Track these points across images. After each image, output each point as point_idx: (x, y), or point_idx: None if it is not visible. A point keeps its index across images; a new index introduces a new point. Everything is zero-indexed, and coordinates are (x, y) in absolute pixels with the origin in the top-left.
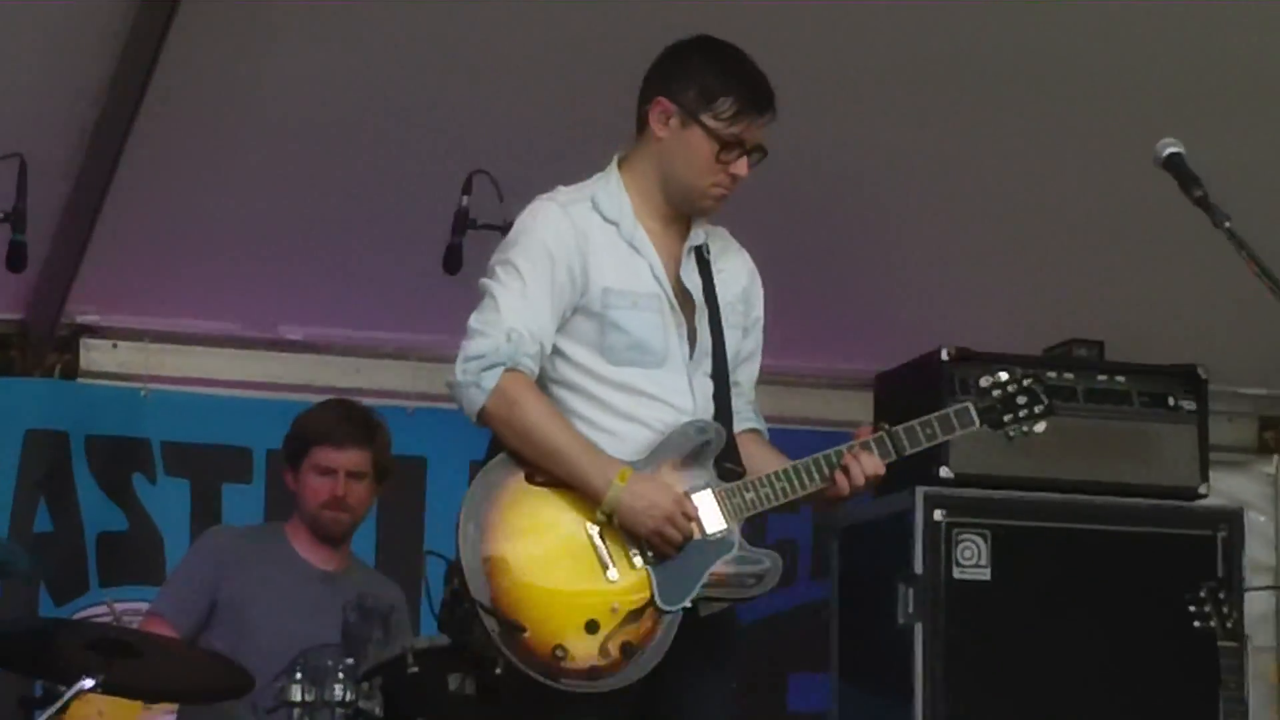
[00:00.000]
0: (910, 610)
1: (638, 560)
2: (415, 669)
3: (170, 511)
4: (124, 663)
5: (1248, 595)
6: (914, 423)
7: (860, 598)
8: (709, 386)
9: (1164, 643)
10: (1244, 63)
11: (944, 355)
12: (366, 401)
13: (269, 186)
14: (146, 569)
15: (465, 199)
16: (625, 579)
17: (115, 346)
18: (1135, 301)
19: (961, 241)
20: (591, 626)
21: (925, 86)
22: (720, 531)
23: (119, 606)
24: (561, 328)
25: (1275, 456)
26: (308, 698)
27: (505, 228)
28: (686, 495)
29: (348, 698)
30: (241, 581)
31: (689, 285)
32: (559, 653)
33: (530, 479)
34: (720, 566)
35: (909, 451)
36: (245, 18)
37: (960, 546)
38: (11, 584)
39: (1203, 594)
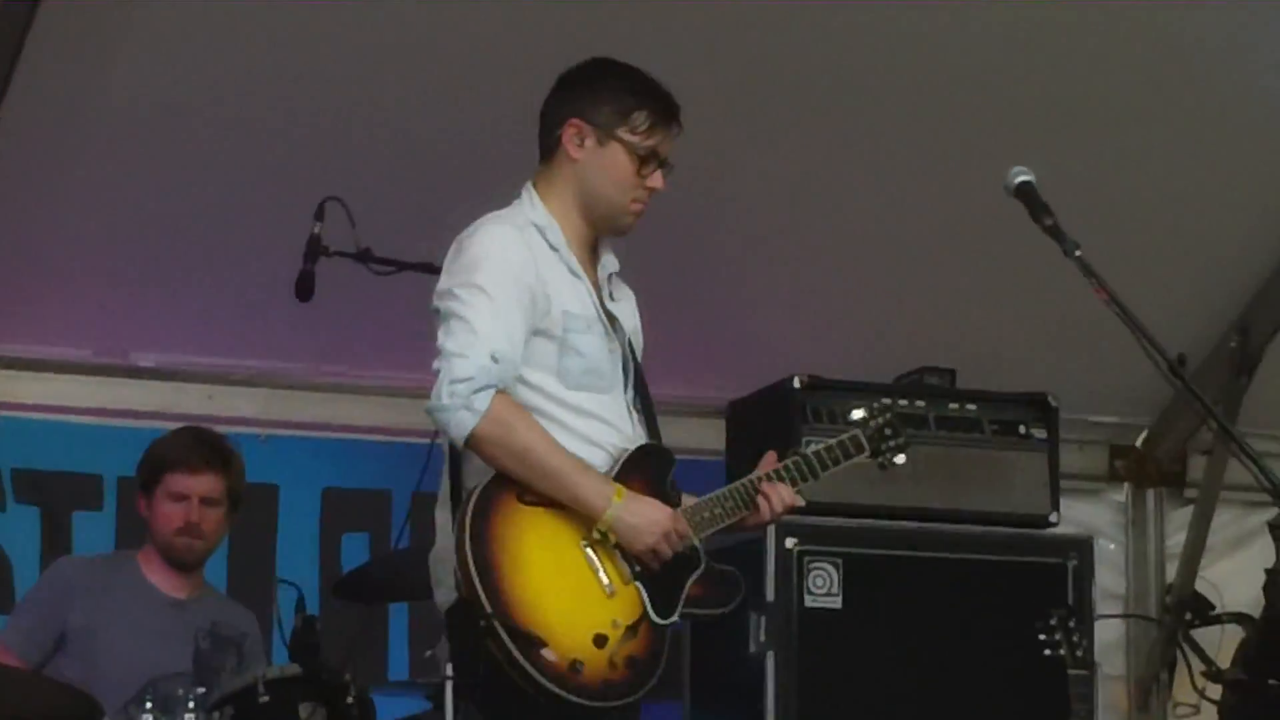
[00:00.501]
0: (762, 639)
1: (628, 576)
2: (266, 698)
3: (20, 539)
4: None
5: (1098, 623)
6: (818, 449)
7: (712, 626)
8: (637, 413)
9: (1015, 671)
10: (1088, 88)
11: (796, 383)
12: (219, 428)
13: (122, 212)
14: None
15: (318, 225)
16: (620, 594)
17: None
18: (986, 329)
19: (813, 268)
20: (600, 641)
21: (776, 111)
22: (689, 548)
23: None
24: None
25: (1126, 485)
26: None
27: (358, 255)
28: (678, 513)
29: None
30: (91, 610)
31: (615, 312)
32: (577, 666)
33: (520, 498)
34: (694, 584)
35: (818, 478)
36: (97, 33)
37: (812, 574)
38: None
39: (1053, 622)
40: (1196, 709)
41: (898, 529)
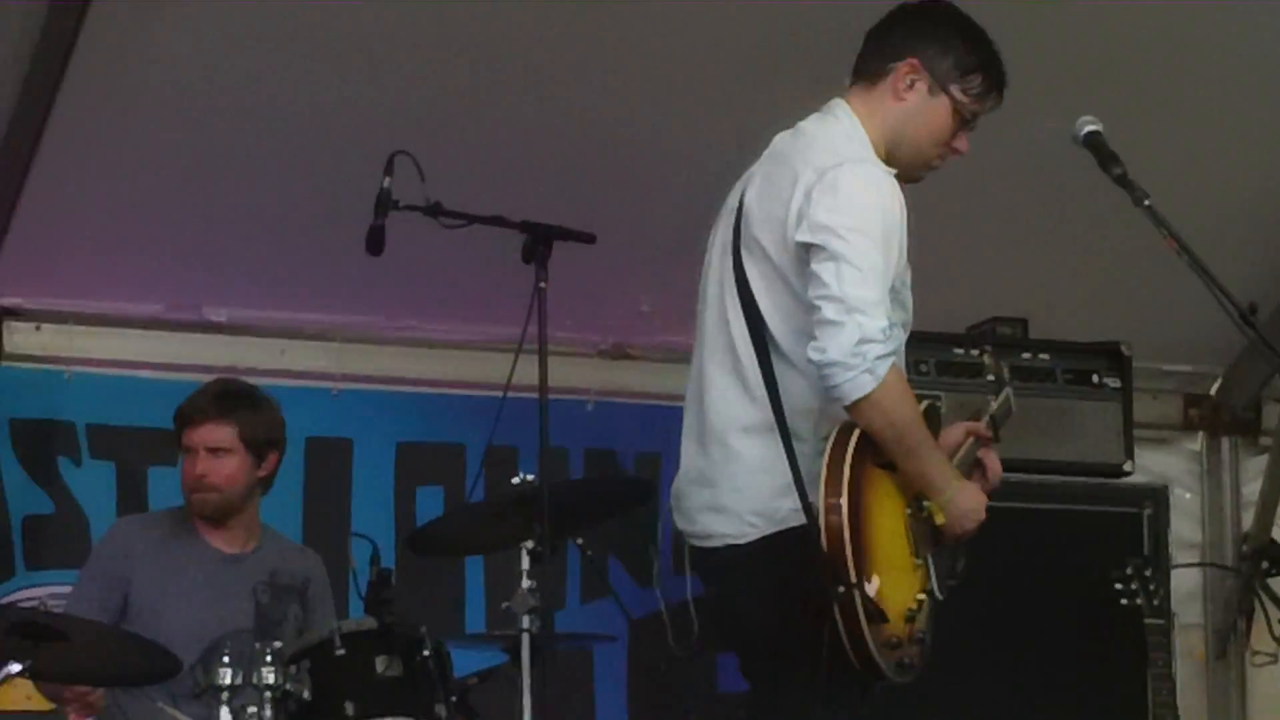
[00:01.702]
0: None
1: (925, 550)
2: (342, 651)
3: (96, 494)
4: (50, 647)
5: (1174, 572)
6: (993, 411)
7: None
8: None
9: (1091, 620)
10: (1160, 43)
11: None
12: (291, 383)
13: (194, 168)
14: (73, 553)
15: (387, 180)
16: (920, 569)
17: (39, 329)
18: (1059, 279)
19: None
20: (910, 616)
21: (843, 62)
22: None
23: (46, 590)
24: None
25: (1200, 434)
26: (234, 681)
27: (428, 208)
28: None
29: (275, 680)
30: (152, 571)
31: None
32: (894, 643)
33: (872, 460)
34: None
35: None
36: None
37: None
38: None
39: (1129, 571)
40: (1274, 658)
41: None
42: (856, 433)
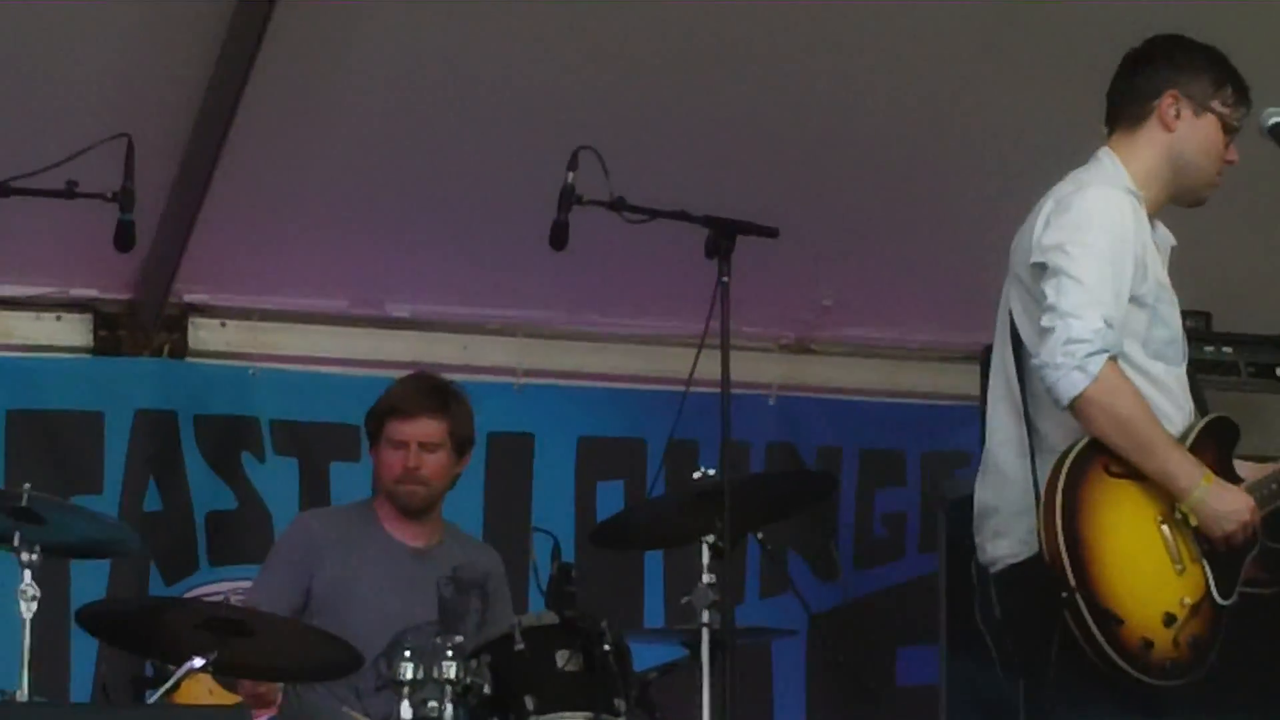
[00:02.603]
0: None
1: (1196, 555)
2: (522, 646)
3: (279, 490)
4: (234, 641)
5: None
6: None
7: (968, 571)
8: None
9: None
10: None
11: None
12: (474, 378)
13: (374, 164)
14: (256, 547)
15: (571, 175)
16: (1189, 573)
17: (223, 325)
18: (1241, 271)
19: None
20: (1168, 620)
21: (1035, 50)
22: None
23: (228, 585)
24: None
25: None
26: (416, 675)
27: (611, 203)
28: (1256, 504)
29: (456, 675)
30: (337, 565)
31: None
32: (1148, 645)
33: (1108, 469)
34: (1250, 562)
35: None
36: None
37: None
38: (122, 563)
39: None
40: None
41: None
42: (1081, 443)
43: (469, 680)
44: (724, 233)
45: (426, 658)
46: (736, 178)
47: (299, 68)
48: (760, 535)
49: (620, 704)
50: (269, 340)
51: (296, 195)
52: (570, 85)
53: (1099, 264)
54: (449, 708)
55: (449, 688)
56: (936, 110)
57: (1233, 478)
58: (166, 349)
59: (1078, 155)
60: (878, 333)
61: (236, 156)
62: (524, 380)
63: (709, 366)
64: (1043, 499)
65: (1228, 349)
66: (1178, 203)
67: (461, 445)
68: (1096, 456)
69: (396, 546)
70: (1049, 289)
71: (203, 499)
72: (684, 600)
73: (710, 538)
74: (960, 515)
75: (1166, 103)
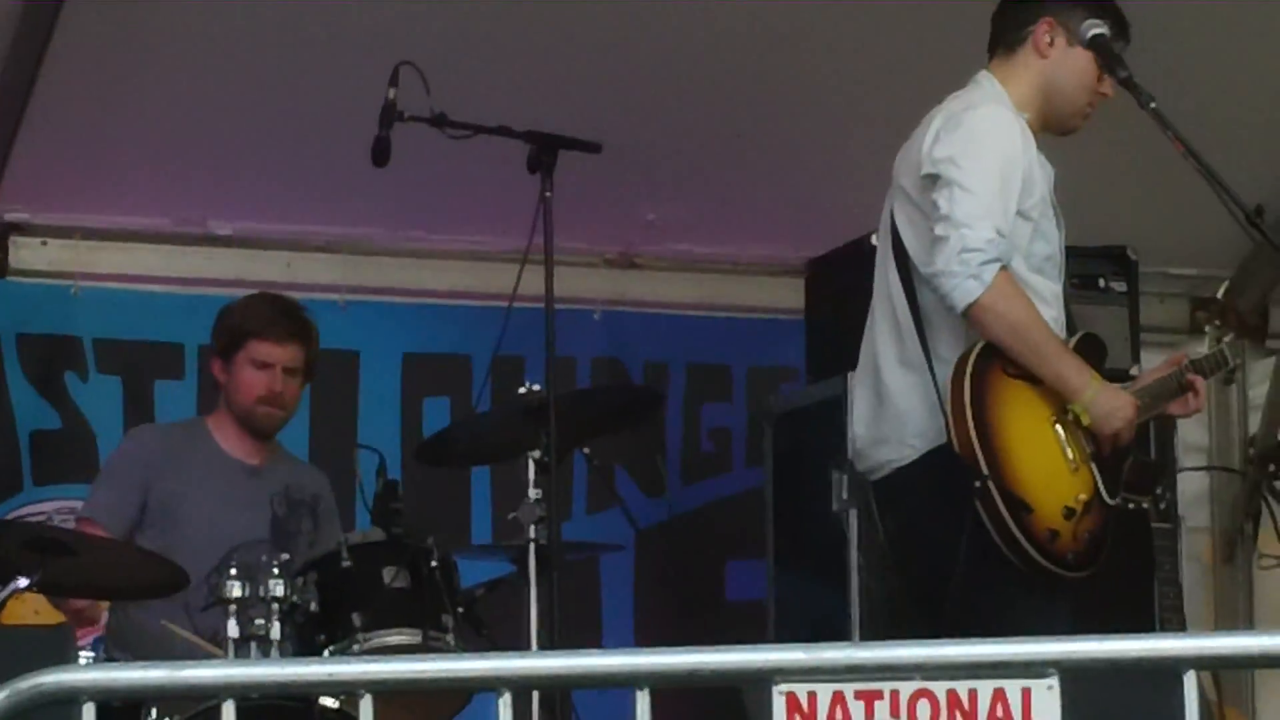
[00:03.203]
0: (844, 496)
1: (1086, 456)
2: (349, 563)
3: (103, 409)
4: (58, 561)
5: (1181, 476)
6: (1220, 349)
7: (795, 485)
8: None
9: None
10: None
11: (873, 240)
12: (298, 296)
13: (197, 81)
14: (80, 467)
15: (392, 91)
16: (1080, 472)
17: (45, 244)
18: (1063, 183)
19: (893, 122)
20: (1068, 513)
21: None
22: None
23: (53, 505)
24: None
25: (1207, 337)
26: (243, 593)
27: (433, 119)
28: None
29: (283, 593)
30: (170, 479)
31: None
32: (1051, 534)
33: (1004, 370)
34: (1128, 468)
35: (1209, 377)
36: None
37: None
38: None
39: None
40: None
41: None
42: (979, 345)
43: (295, 598)
44: (546, 148)
45: (254, 575)
46: (560, 93)
47: None
48: (587, 450)
49: (448, 620)
50: (91, 259)
51: (117, 113)
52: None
53: (990, 177)
54: (275, 625)
55: (275, 605)
56: (762, 24)
57: None
58: None
59: (905, 74)
60: (703, 248)
61: (55, 74)
62: (348, 297)
63: (534, 282)
64: (948, 394)
65: None
66: (1049, 130)
67: (311, 372)
68: (993, 358)
69: (231, 463)
70: (941, 199)
71: (26, 418)
72: (510, 516)
73: (536, 453)
74: (786, 429)
75: (1041, 29)
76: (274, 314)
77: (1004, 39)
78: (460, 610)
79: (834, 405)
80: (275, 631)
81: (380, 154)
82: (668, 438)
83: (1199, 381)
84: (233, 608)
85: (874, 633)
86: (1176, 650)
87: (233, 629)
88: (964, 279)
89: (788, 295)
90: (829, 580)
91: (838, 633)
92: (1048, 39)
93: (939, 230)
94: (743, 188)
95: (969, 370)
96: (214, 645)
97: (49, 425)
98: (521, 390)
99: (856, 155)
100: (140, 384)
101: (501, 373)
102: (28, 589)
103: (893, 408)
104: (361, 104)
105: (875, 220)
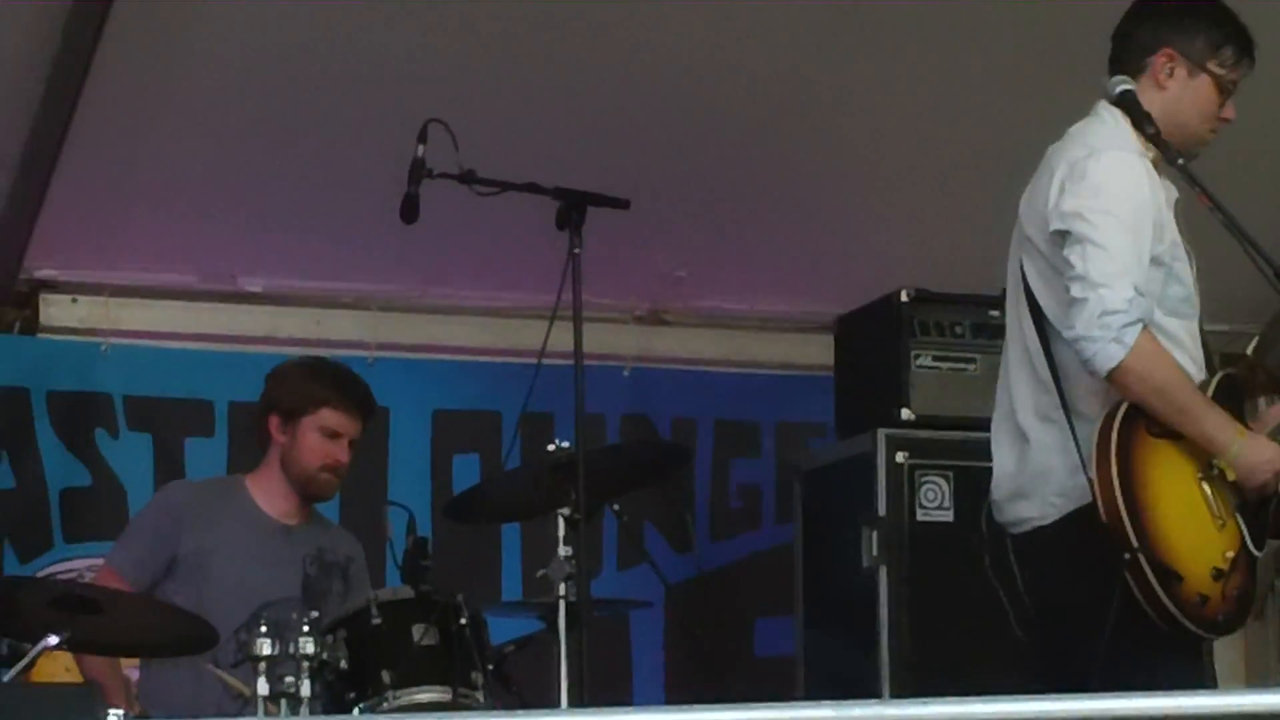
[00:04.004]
0: (874, 553)
1: (1233, 509)
2: (379, 620)
3: (133, 466)
4: (87, 619)
5: None
6: None
7: (824, 541)
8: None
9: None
10: None
11: (903, 296)
12: (328, 352)
13: (226, 138)
14: (111, 524)
15: (421, 148)
16: (1227, 528)
17: (75, 301)
18: None
19: (921, 181)
20: (1217, 575)
21: (889, 25)
22: None
23: (84, 563)
24: None
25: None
26: (273, 651)
27: (461, 176)
28: None
29: (312, 650)
30: (202, 535)
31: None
32: (1203, 600)
33: (1149, 430)
34: (1275, 509)
35: None
36: None
37: (923, 488)
38: None
39: None
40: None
41: None
42: (1124, 407)
43: (325, 655)
44: (574, 204)
45: (284, 632)
46: (588, 150)
47: (146, 40)
48: (616, 507)
49: (477, 678)
50: (120, 316)
51: (146, 169)
52: (418, 57)
53: (1122, 231)
54: (305, 682)
55: (305, 663)
56: (789, 82)
57: (1247, 427)
58: (17, 326)
59: (932, 130)
60: (730, 304)
61: (84, 132)
62: (377, 354)
63: (563, 339)
64: (1093, 461)
65: None
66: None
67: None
68: (1137, 419)
69: (266, 521)
70: (1074, 257)
71: (56, 476)
72: (540, 573)
73: (566, 510)
74: (816, 485)
75: (1160, 61)
76: (349, 385)
77: (1123, 66)
78: (490, 667)
79: (864, 461)
80: (306, 689)
81: (409, 211)
82: (696, 494)
83: None
84: (263, 665)
85: (903, 689)
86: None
87: (263, 687)
88: (1106, 343)
89: (817, 351)
90: (858, 637)
91: (867, 690)
92: (1167, 70)
93: (1076, 291)
94: (771, 244)
95: (1114, 436)
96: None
97: (79, 483)
98: (551, 447)
99: (884, 211)
100: (171, 441)
101: (531, 429)
102: (58, 647)
103: (1034, 463)
104: (390, 161)
105: (903, 276)
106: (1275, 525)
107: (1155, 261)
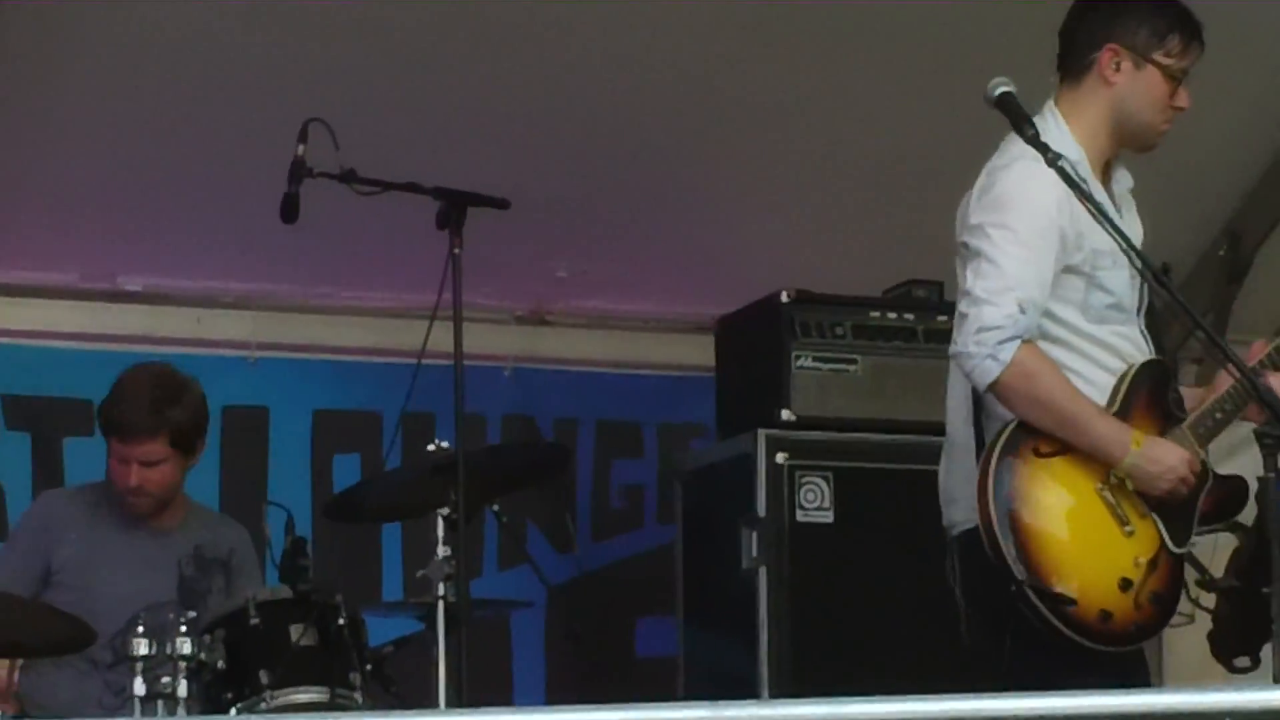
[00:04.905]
0: (754, 554)
1: (1144, 510)
2: (257, 620)
3: (12, 466)
4: None
5: None
6: None
7: (705, 542)
8: (1146, 331)
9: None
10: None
11: (784, 297)
12: (208, 352)
13: (107, 138)
14: None
15: (301, 148)
16: (1140, 530)
17: None
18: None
19: (801, 182)
20: (1124, 585)
21: (765, 26)
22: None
23: None
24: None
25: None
26: (150, 651)
27: (341, 175)
28: (1194, 453)
29: (190, 651)
30: (77, 543)
31: (1130, 233)
32: (1106, 617)
33: (1037, 451)
34: (1204, 498)
35: None
36: None
37: (803, 489)
38: None
39: None
40: (1191, 618)
41: (888, 442)
42: (1005, 434)
43: (203, 655)
44: (455, 204)
45: (161, 633)
46: (469, 149)
47: (25, 42)
48: (496, 507)
49: (355, 678)
50: None
51: (25, 168)
52: (300, 56)
53: (1018, 246)
54: (183, 683)
55: (183, 663)
56: (672, 82)
57: (1174, 414)
58: None
59: (811, 130)
60: (612, 304)
61: None
62: (258, 354)
63: (444, 339)
64: (977, 498)
65: None
66: (1129, 148)
67: (189, 446)
68: (1025, 439)
69: (139, 526)
70: (968, 271)
71: None
72: (420, 574)
73: (445, 510)
74: (697, 486)
75: (1106, 57)
76: (128, 409)
77: (1069, 65)
78: (368, 668)
79: (744, 462)
80: (183, 689)
81: (289, 210)
82: (578, 494)
83: (1275, 380)
84: (140, 665)
85: (782, 690)
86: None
87: (139, 687)
88: (982, 359)
89: (698, 352)
90: (738, 637)
91: (747, 689)
92: (1113, 65)
93: (961, 306)
94: (653, 244)
95: (992, 469)
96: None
97: None
98: (431, 447)
99: (766, 213)
100: (49, 441)
101: (412, 430)
102: None
103: (961, 465)
104: (271, 160)
105: (785, 278)
106: (1211, 512)
107: (1073, 271)
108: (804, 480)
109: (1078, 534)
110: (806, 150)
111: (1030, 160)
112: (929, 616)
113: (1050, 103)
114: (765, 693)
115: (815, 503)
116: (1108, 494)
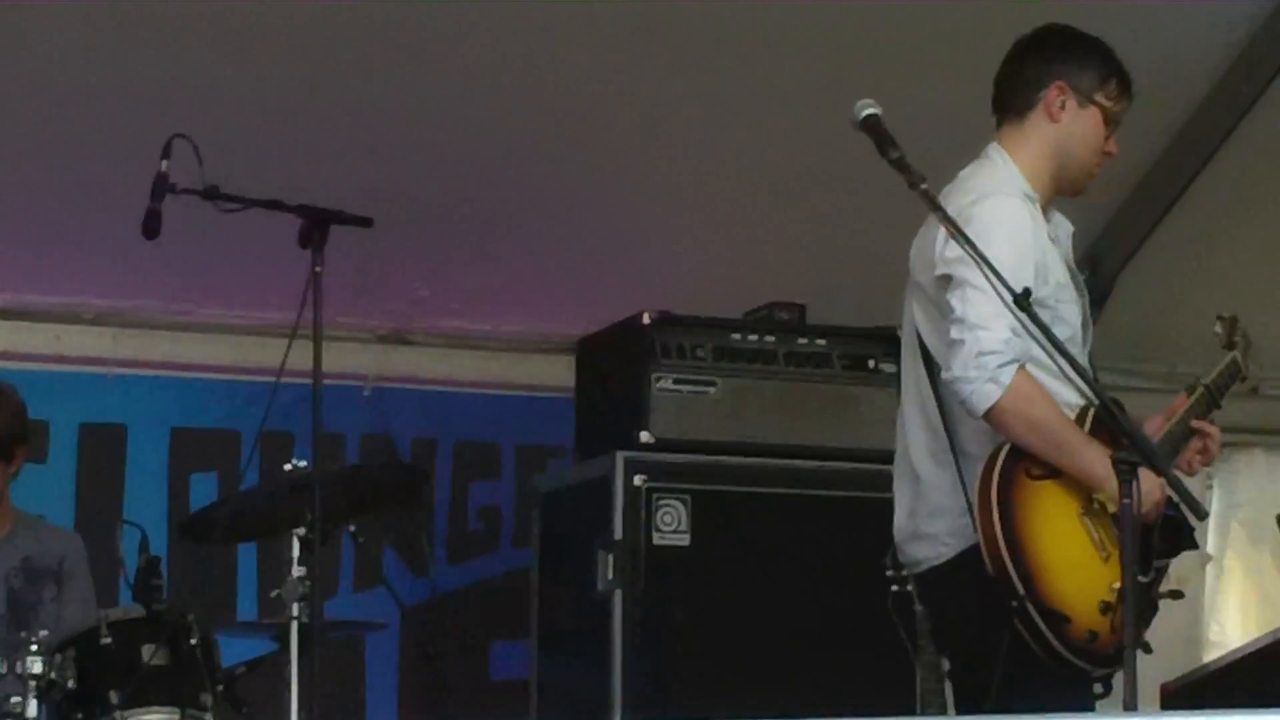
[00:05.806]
0: (610, 576)
1: (1115, 539)
2: (108, 639)
3: None
4: None
5: None
6: (1213, 378)
7: (561, 564)
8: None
9: (863, 606)
10: (944, 16)
11: (645, 319)
12: (66, 368)
13: None
14: None
15: (165, 163)
16: (1111, 560)
17: None
18: (835, 264)
19: (663, 203)
20: (1105, 608)
21: (626, 45)
22: None
23: None
24: None
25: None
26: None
27: (205, 192)
28: (1167, 480)
29: (40, 670)
30: None
31: (1073, 269)
32: (1091, 636)
33: (1028, 473)
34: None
35: (1219, 406)
36: None
37: (660, 512)
38: None
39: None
40: None
41: (746, 465)
42: (1003, 454)
43: (53, 675)
44: (317, 222)
45: (9, 652)
46: (333, 168)
47: None
48: (353, 528)
49: (206, 699)
50: None
51: None
52: (164, 71)
53: (1002, 275)
54: (32, 702)
55: (33, 682)
56: (536, 100)
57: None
58: None
59: (677, 150)
60: (472, 324)
61: None
62: (116, 371)
63: (303, 357)
64: (978, 513)
65: (821, 341)
66: (1063, 193)
67: (8, 453)
68: (1017, 462)
69: None
70: (955, 300)
71: None
72: (274, 594)
73: (301, 530)
74: (554, 508)
75: (1053, 94)
76: None
77: (1013, 104)
78: (220, 688)
79: (602, 484)
80: (32, 709)
81: (151, 226)
82: (436, 515)
83: (1206, 425)
84: None
85: (635, 714)
86: None
87: None
88: (982, 383)
89: (558, 373)
90: (592, 660)
91: (599, 713)
92: (1060, 103)
93: (954, 333)
94: (514, 265)
95: (994, 486)
96: None
97: None
98: (288, 466)
99: (628, 235)
100: None
101: (270, 449)
102: None
103: (927, 504)
104: (133, 175)
105: (645, 299)
106: (1164, 547)
107: (1039, 304)
108: (661, 503)
109: (1065, 557)
110: (670, 171)
111: (1003, 195)
112: (785, 639)
113: (994, 144)
114: (617, 716)
115: (672, 525)
116: (1088, 520)
